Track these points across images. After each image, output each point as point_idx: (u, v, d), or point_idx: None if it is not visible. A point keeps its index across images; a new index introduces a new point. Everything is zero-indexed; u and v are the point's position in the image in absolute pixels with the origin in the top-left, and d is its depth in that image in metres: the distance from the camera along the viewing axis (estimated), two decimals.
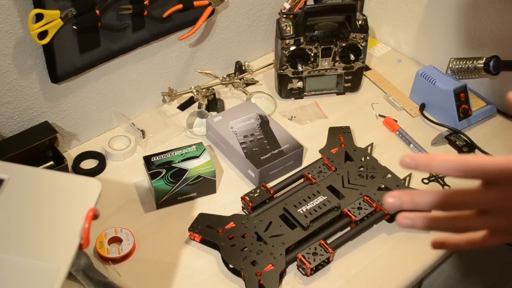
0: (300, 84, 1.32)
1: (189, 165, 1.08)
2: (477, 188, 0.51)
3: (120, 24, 1.09)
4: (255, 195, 1.06)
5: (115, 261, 0.97)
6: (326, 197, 1.05)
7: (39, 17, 0.96)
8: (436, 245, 0.56)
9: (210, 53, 1.33)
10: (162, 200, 1.06)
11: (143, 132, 1.20)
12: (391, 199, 0.51)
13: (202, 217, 1.02)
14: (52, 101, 1.11)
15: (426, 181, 1.14)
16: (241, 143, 1.15)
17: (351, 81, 1.34)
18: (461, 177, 0.50)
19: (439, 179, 1.14)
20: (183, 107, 1.30)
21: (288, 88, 1.32)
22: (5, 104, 1.05)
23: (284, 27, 1.25)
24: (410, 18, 1.43)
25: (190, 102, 1.31)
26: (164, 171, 1.07)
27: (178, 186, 1.06)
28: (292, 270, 0.97)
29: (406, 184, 1.10)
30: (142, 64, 1.21)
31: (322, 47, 1.27)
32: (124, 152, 1.17)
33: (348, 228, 1.03)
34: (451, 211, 0.52)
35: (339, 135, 1.19)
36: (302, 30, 1.25)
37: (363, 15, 1.29)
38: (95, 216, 0.65)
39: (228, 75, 1.35)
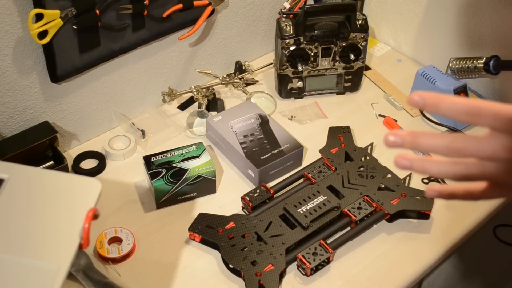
0: (300, 84, 1.32)
1: (189, 165, 1.08)
2: (483, 135, 0.49)
3: (120, 24, 1.09)
4: (255, 195, 1.06)
5: (115, 261, 0.97)
6: (326, 197, 1.05)
7: (39, 17, 0.96)
8: (431, 192, 0.54)
9: (210, 53, 1.33)
10: (162, 200, 1.06)
11: (143, 132, 1.20)
12: (392, 137, 0.49)
13: (202, 217, 1.02)
14: (52, 101, 1.11)
15: (426, 181, 1.14)
16: (241, 143, 1.15)
17: (351, 81, 1.34)
18: (470, 122, 0.48)
19: (439, 179, 1.14)
20: (183, 107, 1.30)
21: (288, 88, 1.32)
22: (5, 104, 1.05)
23: (284, 27, 1.25)
24: (410, 18, 1.43)
25: (190, 102, 1.31)
26: (164, 171, 1.07)
27: (178, 186, 1.06)
28: (292, 270, 0.97)
29: (406, 184, 1.10)
30: (142, 64, 1.21)
31: (322, 46, 1.27)
32: (124, 152, 1.17)
33: (348, 228, 1.03)
34: (454, 156, 0.49)
35: (339, 135, 1.19)
36: (302, 30, 1.25)
37: (363, 14, 1.29)
38: (95, 216, 0.65)
39: (228, 75, 1.35)
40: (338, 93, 1.36)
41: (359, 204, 1.04)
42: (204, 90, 1.28)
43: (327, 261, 0.97)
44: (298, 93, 1.34)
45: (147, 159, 1.09)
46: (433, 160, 0.50)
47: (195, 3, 1.18)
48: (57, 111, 1.13)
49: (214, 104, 1.29)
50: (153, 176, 1.06)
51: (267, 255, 0.96)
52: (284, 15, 1.28)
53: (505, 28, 1.23)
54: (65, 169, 1.09)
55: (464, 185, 0.54)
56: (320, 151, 1.16)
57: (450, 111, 0.48)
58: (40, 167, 1.09)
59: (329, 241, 1.00)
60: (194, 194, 1.09)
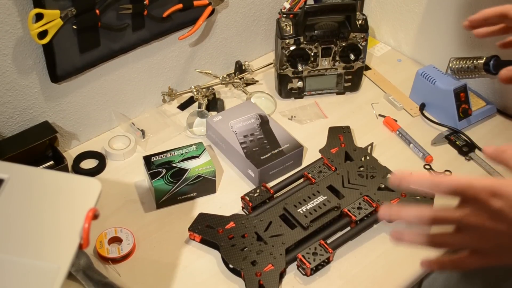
0: (300, 84, 1.32)
1: (189, 165, 1.08)
2: (454, 206, 0.57)
3: (120, 24, 1.09)
4: (255, 195, 1.06)
5: (115, 261, 0.97)
6: (326, 197, 1.05)
7: (39, 17, 0.96)
8: (424, 263, 0.63)
9: (210, 52, 1.33)
10: (162, 200, 1.06)
11: (143, 132, 1.20)
12: (383, 212, 0.61)
13: (202, 217, 1.02)
14: (52, 101, 1.11)
15: None
16: (241, 143, 1.15)
17: (351, 81, 1.34)
18: (435, 192, 0.58)
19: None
20: (183, 107, 1.30)
21: (288, 87, 1.32)
22: (5, 104, 1.05)
23: (284, 27, 1.25)
24: (410, 18, 1.43)
25: (190, 102, 1.31)
26: (164, 171, 1.07)
27: (178, 186, 1.06)
28: (292, 270, 0.97)
29: None
30: (142, 64, 1.21)
31: (322, 46, 1.27)
32: (124, 152, 1.17)
33: (348, 228, 1.03)
34: (428, 224, 0.58)
35: (339, 135, 1.19)
36: (302, 29, 1.25)
37: (363, 14, 1.29)
38: (95, 216, 0.65)
39: (228, 75, 1.35)
40: (338, 93, 1.36)
41: (359, 204, 1.04)
42: (204, 90, 1.28)
43: (327, 261, 0.97)
44: (298, 93, 1.34)
45: (147, 159, 1.09)
46: (417, 232, 0.60)
47: (195, 3, 1.18)
48: (57, 111, 1.13)
49: (214, 104, 1.29)
50: (153, 176, 1.06)
51: (267, 255, 0.96)
52: (284, 15, 1.28)
53: None
54: (65, 169, 1.09)
55: (450, 257, 0.61)
56: (320, 151, 1.16)
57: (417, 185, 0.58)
58: (40, 167, 1.09)
59: (329, 241, 1.00)
60: (194, 194, 1.09)
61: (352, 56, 1.29)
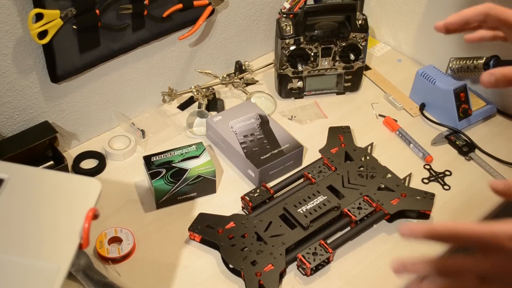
0: (300, 84, 1.32)
1: (189, 165, 1.08)
2: (474, 255, 0.54)
3: (120, 24, 1.09)
4: (255, 195, 1.06)
5: (115, 261, 0.97)
6: (326, 197, 1.05)
7: (39, 17, 0.96)
8: None
9: (210, 52, 1.33)
10: (162, 200, 1.07)
11: (143, 132, 1.20)
12: (397, 266, 0.57)
13: (202, 217, 1.02)
14: (52, 101, 1.11)
15: (426, 181, 1.14)
16: (241, 143, 1.15)
17: (351, 81, 1.34)
18: (454, 244, 0.53)
19: (439, 179, 1.14)
20: (183, 107, 1.30)
21: (288, 87, 1.32)
22: (5, 104, 1.05)
23: (284, 27, 1.25)
24: (410, 18, 1.43)
25: (190, 102, 1.31)
26: (164, 171, 1.07)
27: (178, 186, 1.06)
28: (292, 270, 0.97)
29: (406, 184, 1.10)
30: (142, 64, 1.21)
31: (322, 46, 1.27)
32: (124, 152, 1.17)
33: (348, 228, 1.03)
34: (451, 277, 0.54)
35: (339, 135, 1.19)
36: (302, 29, 1.25)
37: (363, 14, 1.29)
38: (95, 216, 0.65)
39: (228, 75, 1.35)
40: (338, 93, 1.36)
41: (359, 204, 1.04)
42: (204, 90, 1.28)
43: (327, 261, 0.97)
44: (298, 93, 1.34)
45: (147, 159, 1.09)
46: (438, 284, 0.54)
47: (195, 3, 1.18)
48: (57, 111, 1.13)
49: (214, 104, 1.29)
50: (153, 176, 1.06)
51: (267, 255, 0.96)
52: (284, 15, 1.28)
53: None
54: (65, 169, 1.09)
55: None
56: (320, 151, 1.16)
57: (433, 238, 0.54)
58: (40, 167, 1.09)
59: (329, 241, 1.00)
60: (194, 194, 1.09)
61: (352, 56, 1.29)
